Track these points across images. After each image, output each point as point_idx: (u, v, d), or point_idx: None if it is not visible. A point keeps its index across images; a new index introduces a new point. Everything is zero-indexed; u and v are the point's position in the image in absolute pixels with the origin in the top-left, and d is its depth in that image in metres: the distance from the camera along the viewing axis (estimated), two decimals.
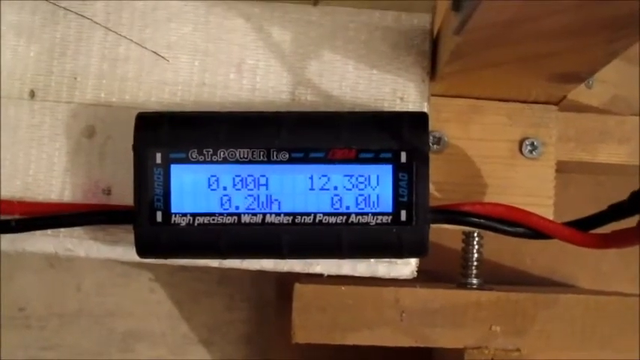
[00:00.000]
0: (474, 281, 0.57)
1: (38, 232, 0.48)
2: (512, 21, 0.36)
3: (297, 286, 0.55)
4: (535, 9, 0.34)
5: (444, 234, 0.57)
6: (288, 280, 0.56)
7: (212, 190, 0.44)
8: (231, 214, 0.44)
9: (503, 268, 0.73)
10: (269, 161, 0.44)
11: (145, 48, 0.49)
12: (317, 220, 0.44)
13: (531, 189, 0.52)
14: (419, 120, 0.45)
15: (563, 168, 0.54)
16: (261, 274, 0.76)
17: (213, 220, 0.44)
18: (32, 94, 0.49)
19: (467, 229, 0.55)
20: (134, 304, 0.82)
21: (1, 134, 0.49)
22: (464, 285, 0.58)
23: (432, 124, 0.45)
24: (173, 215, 0.44)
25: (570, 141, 0.58)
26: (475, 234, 0.57)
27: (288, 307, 0.55)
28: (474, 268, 0.58)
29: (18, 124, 0.49)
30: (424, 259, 0.48)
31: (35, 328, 0.82)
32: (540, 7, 0.34)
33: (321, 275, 0.50)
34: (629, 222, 0.43)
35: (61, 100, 0.49)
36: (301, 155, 0.44)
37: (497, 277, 0.69)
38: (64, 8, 0.50)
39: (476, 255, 0.58)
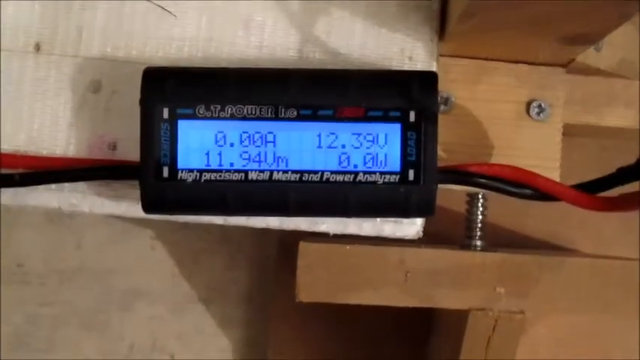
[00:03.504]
0: (478, 243, 0.58)
1: (42, 187, 0.48)
2: None
3: (303, 244, 0.54)
4: None
5: (447, 196, 0.57)
6: (292, 239, 0.56)
7: (219, 146, 0.44)
8: (238, 171, 0.44)
9: (505, 231, 0.73)
10: (277, 118, 0.44)
11: (152, 2, 0.49)
12: (324, 179, 0.44)
13: (538, 151, 0.51)
14: (428, 79, 0.44)
15: (568, 131, 0.54)
16: (263, 233, 0.77)
17: (220, 176, 0.44)
18: (37, 48, 0.49)
19: (472, 190, 0.56)
20: (134, 262, 0.82)
21: (5, 87, 0.49)
22: (467, 247, 0.58)
23: (439, 85, 0.45)
24: (180, 171, 0.44)
25: (576, 104, 0.58)
26: (480, 196, 0.57)
27: (291, 266, 0.55)
28: (478, 230, 0.58)
29: (22, 77, 0.49)
30: (427, 221, 0.48)
31: (34, 285, 0.82)
32: None
33: (325, 234, 0.50)
34: (633, 187, 0.43)
35: (66, 54, 0.49)
36: (309, 113, 0.44)
37: (499, 241, 0.69)
38: None
39: (480, 217, 0.58)
